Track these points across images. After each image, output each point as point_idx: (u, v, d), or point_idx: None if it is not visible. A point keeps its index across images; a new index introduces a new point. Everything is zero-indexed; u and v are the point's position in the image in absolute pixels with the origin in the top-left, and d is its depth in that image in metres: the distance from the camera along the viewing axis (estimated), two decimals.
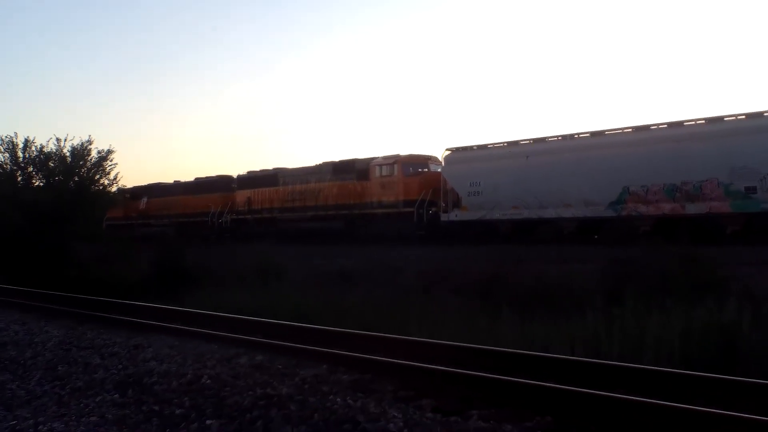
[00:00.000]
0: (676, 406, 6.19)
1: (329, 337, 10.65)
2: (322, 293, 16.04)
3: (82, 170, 33.63)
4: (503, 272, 15.74)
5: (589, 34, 77.65)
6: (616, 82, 76.77)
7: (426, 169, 29.06)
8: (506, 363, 8.41)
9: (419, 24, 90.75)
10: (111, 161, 39.74)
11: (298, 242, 29.82)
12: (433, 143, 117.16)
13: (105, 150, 36.84)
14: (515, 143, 25.84)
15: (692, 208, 20.12)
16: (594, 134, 23.32)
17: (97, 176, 34.65)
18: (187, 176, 49.71)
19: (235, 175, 39.44)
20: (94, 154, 35.28)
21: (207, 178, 41.25)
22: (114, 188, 42.17)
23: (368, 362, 8.64)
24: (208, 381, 8.37)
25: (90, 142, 34.39)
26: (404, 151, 30.00)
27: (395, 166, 28.87)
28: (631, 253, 15.11)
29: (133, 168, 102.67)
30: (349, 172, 30.99)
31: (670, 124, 21.69)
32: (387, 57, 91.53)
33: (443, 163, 27.81)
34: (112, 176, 39.91)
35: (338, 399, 7.32)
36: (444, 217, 26.61)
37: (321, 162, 33.53)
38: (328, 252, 24.30)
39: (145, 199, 44.45)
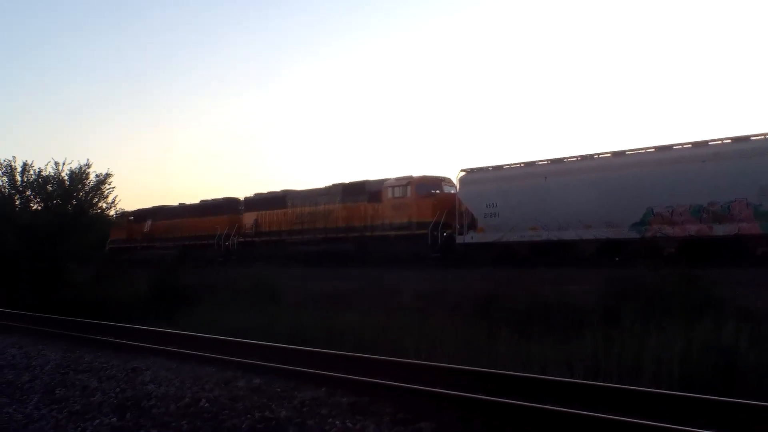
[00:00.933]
0: (674, 428, 6.18)
1: (327, 359, 10.62)
2: (323, 314, 16.02)
3: (81, 194, 33.77)
4: (502, 292, 15.74)
5: (607, 51, 77.31)
6: (634, 102, 76.44)
7: (439, 191, 28.74)
8: (505, 385, 8.40)
9: (431, 43, 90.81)
10: (109, 185, 39.93)
11: (308, 265, 29.61)
12: (443, 164, 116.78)
13: (103, 174, 37.10)
14: (532, 163, 25.49)
15: (720, 230, 19.72)
16: (615, 154, 22.99)
17: (96, 200, 34.82)
18: (193, 199, 49.63)
19: (242, 197, 39.42)
20: (92, 177, 35.48)
21: (213, 200, 41.11)
22: (112, 212, 42.39)
23: (367, 385, 8.62)
24: (207, 404, 8.35)
25: (88, 165, 34.62)
26: (414, 172, 29.82)
27: (408, 187, 28.54)
28: (629, 273, 15.10)
29: (137, 191, 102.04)
30: (360, 193, 30.71)
31: (694, 144, 21.35)
32: (395, 78, 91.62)
33: (458, 184, 27.38)
34: (110, 200, 40.18)
35: (337, 422, 7.31)
36: (459, 240, 26.27)
37: (330, 184, 33.31)
38: (334, 274, 24.27)
39: (149, 222, 44.22)
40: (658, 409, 7.24)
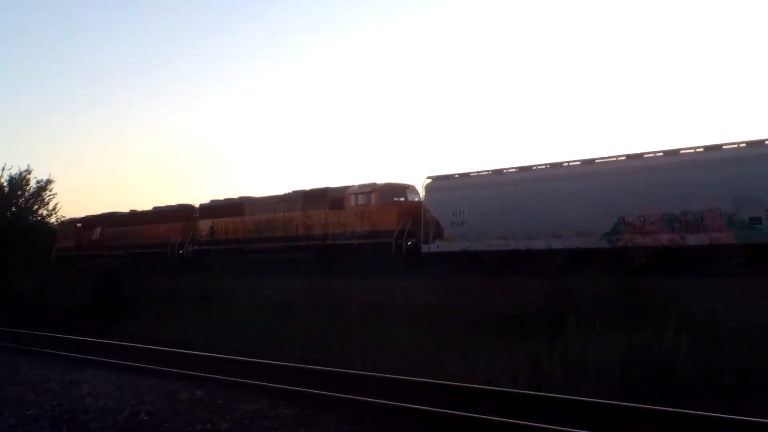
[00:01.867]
0: None
1: (270, 371, 10.52)
2: (273, 323, 15.88)
3: (20, 200, 33.00)
4: (448, 302, 15.79)
5: (575, 56, 77.17)
6: (606, 109, 76.62)
7: (403, 198, 28.02)
8: (449, 395, 8.41)
9: (392, 50, 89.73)
10: (50, 191, 39.18)
11: (266, 273, 28.54)
12: (404, 172, 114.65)
13: (44, 180, 36.34)
14: (500, 171, 24.94)
15: (693, 239, 19.37)
16: (585, 162, 22.61)
17: (36, 206, 34.03)
18: (145, 206, 47.55)
19: (196, 204, 38.19)
20: (32, 184, 34.75)
21: (166, 207, 39.60)
22: (53, 219, 41.50)
23: (310, 396, 8.55)
24: (146, 417, 8.18)
25: (29, 171, 33.88)
26: (376, 179, 28.78)
27: (372, 194, 27.76)
28: (571, 283, 15.26)
29: (86, 198, 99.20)
30: (322, 201, 29.82)
31: (666, 152, 21.15)
32: (354, 85, 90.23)
33: (424, 192, 26.55)
34: (51, 206, 39.37)
35: None
36: (425, 248, 25.50)
37: (291, 191, 32.33)
38: (290, 283, 24.00)
39: (98, 229, 42.65)
40: (596, 415, 7.33)
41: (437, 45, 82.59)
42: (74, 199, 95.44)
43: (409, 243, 26.11)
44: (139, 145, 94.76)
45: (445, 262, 24.67)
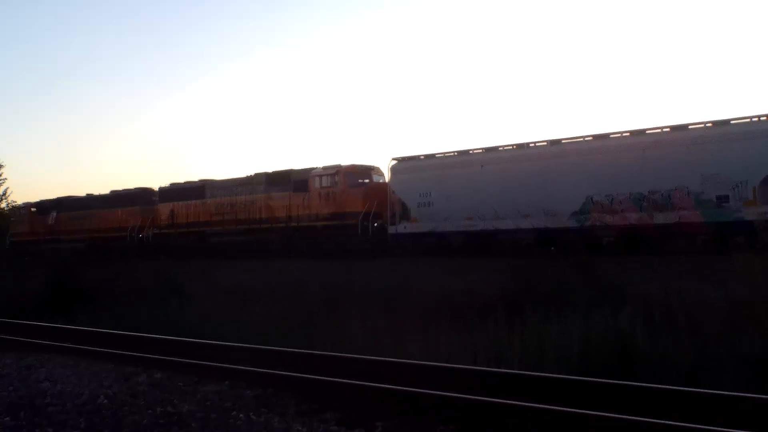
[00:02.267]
0: (570, 411, 6.36)
1: (230, 353, 10.47)
2: (231, 309, 15.78)
3: None
4: (407, 285, 15.85)
5: (542, 34, 76.90)
6: (564, 90, 76.62)
7: (369, 180, 27.95)
8: (409, 374, 8.46)
9: (355, 28, 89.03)
10: (0, 176, 38.29)
11: (228, 257, 28.58)
12: (366, 154, 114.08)
13: None
14: (467, 152, 25.01)
15: (661, 218, 19.66)
16: (552, 142, 22.78)
17: None
18: (102, 189, 46.35)
19: (155, 187, 37.45)
20: None
21: (125, 190, 38.93)
22: (4, 204, 40.54)
23: (271, 377, 8.53)
24: (105, 401, 8.11)
25: None
26: (335, 161, 28.78)
27: (337, 176, 27.64)
28: (530, 264, 15.41)
29: (40, 182, 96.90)
30: (285, 183, 29.60)
31: (633, 132, 21.25)
32: (313, 65, 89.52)
33: (389, 173, 26.75)
34: (1, 191, 38.51)
35: (241, 415, 7.21)
36: (392, 230, 25.68)
37: (253, 173, 31.99)
38: (252, 267, 23.81)
39: (54, 214, 41.50)
40: (557, 393, 7.43)
41: (400, 23, 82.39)
42: (30, 184, 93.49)
43: (375, 225, 26.05)
44: (98, 130, 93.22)
45: (411, 243, 24.82)
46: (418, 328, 12.10)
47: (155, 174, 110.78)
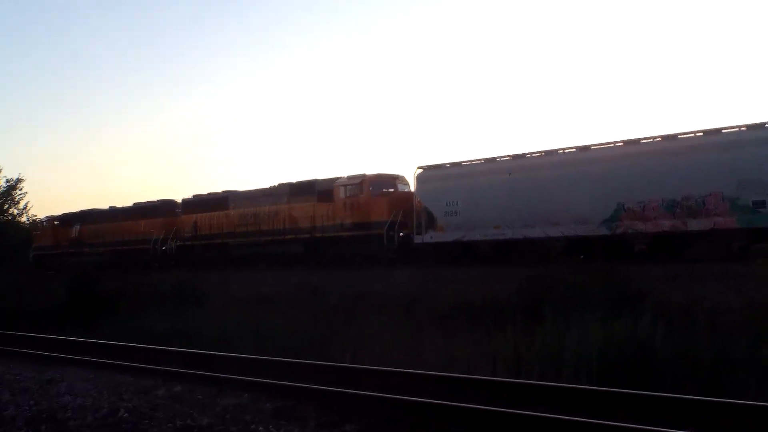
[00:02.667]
0: (589, 422, 6.31)
1: (250, 365, 10.48)
2: (252, 317, 15.78)
3: None
4: (426, 292, 15.82)
5: (570, 40, 75.75)
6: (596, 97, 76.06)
7: (393, 189, 27.68)
8: (429, 385, 8.43)
9: (379, 38, 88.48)
10: (20, 190, 38.79)
11: (252, 268, 28.10)
12: (388, 163, 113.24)
13: (14, 179, 36.02)
14: (494, 160, 24.54)
15: (695, 224, 19.15)
16: (581, 149, 22.34)
17: (6, 206, 33.66)
18: (124, 202, 46.48)
19: (178, 199, 37.82)
20: (2, 183, 34.34)
21: (148, 202, 39.13)
22: (24, 218, 40.99)
23: (290, 389, 8.52)
24: (126, 414, 8.12)
25: None
26: (357, 171, 28.43)
27: (362, 185, 27.29)
28: (547, 270, 15.32)
29: (64, 195, 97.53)
30: (309, 193, 29.39)
31: (664, 137, 20.76)
32: (335, 76, 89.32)
33: (415, 182, 26.28)
34: (21, 206, 38.96)
35: (261, 428, 7.21)
36: (418, 239, 25.25)
37: (276, 184, 31.89)
38: (273, 277, 23.66)
39: (77, 227, 41.86)
40: (577, 402, 7.38)
41: (424, 34, 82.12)
42: (52, 198, 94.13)
43: (401, 234, 25.72)
44: (119, 143, 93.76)
45: (438, 252, 24.45)
46: (436, 334, 12.08)
47: (173, 187, 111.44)
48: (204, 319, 16.45)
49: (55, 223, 43.67)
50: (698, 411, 6.82)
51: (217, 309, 18.08)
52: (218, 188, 37.96)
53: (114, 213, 40.61)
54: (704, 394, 7.71)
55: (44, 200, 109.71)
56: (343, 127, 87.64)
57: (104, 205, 43.29)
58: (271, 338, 13.44)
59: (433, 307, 14.82)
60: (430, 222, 25.22)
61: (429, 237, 24.94)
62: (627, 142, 21.51)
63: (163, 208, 37.60)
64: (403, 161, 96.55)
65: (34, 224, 43.00)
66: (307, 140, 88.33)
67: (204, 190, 37.12)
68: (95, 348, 13.55)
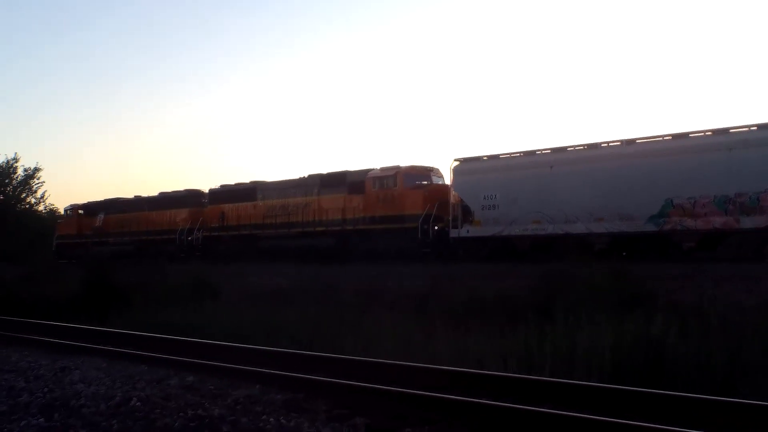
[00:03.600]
0: (603, 420, 6.30)
1: (261, 356, 10.53)
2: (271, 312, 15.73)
3: (8, 189, 32.90)
4: (438, 288, 15.82)
5: (608, 31, 74.60)
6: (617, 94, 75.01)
7: (428, 182, 27.10)
8: (441, 379, 8.44)
9: (410, 28, 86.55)
10: (38, 179, 39.11)
11: (279, 261, 27.66)
12: (414, 155, 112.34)
13: (32, 168, 36.31)
14: (533, 153, 24.02)
15: (748, 222, 18.48)
16: (627, 142, 21.76)
17: (24, 195, 33.93)
18: (150, 191, 45.09)
19: (205, 189, 37.27)
20: (20, 172, 34.63)
21: (174, 192, 38.66)
22: (41, 207, 41.26)
23: (301, 381, 8.56)
24: (138, 403, 8.18)
25: (16, 159, 33.77)
26: (383, 163, 28.08)
27: (396, 177, 26.71)
28: (561, 268, 15.27)
29: (88, 183, 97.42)
30: (340, 184, 28.77)
31: (716, 131, 20.09)
32: (363, 67, 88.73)
33: (452, 175, 25.54)
34: (39, 195, 39.27)
35: (271, 419, 7.23)
36: (454, 233, 24.64)
37: (307, 175, 31.21)
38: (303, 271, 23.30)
39: (101, 216, 41.60)
40: (588, 400, 7.36)
41: (455, 24, 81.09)
42: (76, 188, 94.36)
43: (436, 228, 25.16)
44: (145, 133, 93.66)
45: (474, 247, 24.07)
46: (448, 331, 12.08)
47: (197, 178, 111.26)
48: (219, 313, 16.49)
49: (80, 212, 43.34)
50: (711, 411, 6.78)
51: (232, 303, 18.11)
52: (241, 179, 37.11)
53: (139, 202, 40.16)
54: (717, 394, 7.66)
55: (68, 191, 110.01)
56: (368, 120, 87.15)
57: (128, 194, 42.68)
58: (288, 331, 13.48)
59: (444, 303, 14.82)
60: (467, 216, 24.68)
61: (465, 231, 24.42)
62: (675, 136, 20.93)
63: (189, 198, 37.14)
64: (428, 154, 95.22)
65: (51, 213, 42.98)
66: (333, 132, 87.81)
67: (227, 182, 36.53)
68: (109, 337, 13.64)
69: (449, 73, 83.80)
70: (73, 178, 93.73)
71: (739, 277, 14.44)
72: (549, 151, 23.57)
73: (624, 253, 20.36)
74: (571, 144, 23.23)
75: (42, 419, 7.80)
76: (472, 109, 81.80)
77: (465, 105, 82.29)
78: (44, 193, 40.95)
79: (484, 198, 24.12)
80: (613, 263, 15.05)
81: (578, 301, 12.18)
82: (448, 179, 26.32)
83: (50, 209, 43.35)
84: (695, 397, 7.17)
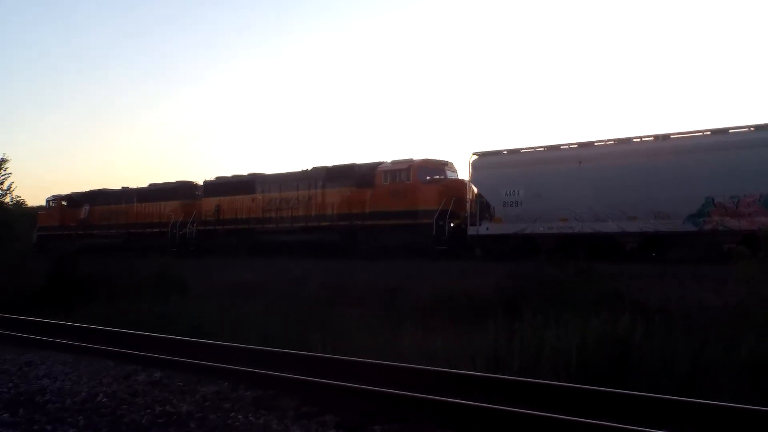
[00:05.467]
0: (569, 420, 6.38)
1: (230, 353, 10.49)
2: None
3: None
4: (406, 285, 15.88)
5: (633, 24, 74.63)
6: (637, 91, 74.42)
7: (442, 176, 25.94)
8: (408, 378, 8.47)
9: (416, 18, 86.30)
10: (5, 170, 38.39)
11: (277, 256, 26.69)
12: (418, 149, 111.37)
13: None
14: (558, 147, 23.10)
15: None
16: (662, 138, 20.90)
17: None
18: (138, 184, 44.11)
19: (199, 181, 36.10)
20: None
21: (165, 184, 37.31)
22: (7, 199, 40.45)
23: (271, 378, 8.54)
24: (105, 399, 8.13)
25: None
26: (390, 157, 27.19)
27: (410, 171, 25.62)
28: (528, 267, 15.39)
29: (72, 173, 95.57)
30: (347, 178, 27.65)
31: (758, 127, 19.27)
32: (360, 59, 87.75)
33: (470, 169, 24.37)
34: (5, 186, 38.57)
35: (240, 416, 7.22)
36: (472, 230, 23.58)
37: (310, 167, 30.04)
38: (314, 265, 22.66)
39: (86, 207, 40.11)
40: (556, 399, 7.45)
41: (463, 18, 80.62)
42: (58, 179, 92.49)
43: (452, 225, 24.30)
44: (133, 124, 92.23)
45: (495, 246, 23.10)
46: (415, 327, 12.13)
47: (186, 170, 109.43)
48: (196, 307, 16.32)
49: (63, 203, 42.05)
50: (674, 411, 6.89)
51: (213, 297, 17.90)
52: (235, 172, 35.89)
53: (128, 194, 38.94)
54: (681, 393, 7.80)
55: (48, 182, 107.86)
56: (364, 113, 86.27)
57: (115, 186, 41.39)
58: (254, 327, 13.43)
59: (412, 300, 14.87)
60: (485, 212, 23.67)
61: (485, 228, 23.38)
62: (715, 131, 20.17)
63: (182, 190, 35.97)
64: (431, 147, 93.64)
65: (18, 205, 41.83)
66: (329, 125, 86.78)
67: (222, 174, 35.27)
68: (76, 332, 13.49)
69: (453, 66, 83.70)
70: (54, 169, 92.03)
71: (706, 278, 14.65)
72: (576, 145, 22.79)
73: (653, 254, 19.93)
74: (599, 139, 22.53)
75: (6, 414, 7.74)
76: (476, 103, 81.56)
77: (470, 99, 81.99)
78: (11, 184, 40.23)
79: (506, 194, 23.09)
80: (580, 263, 15.20)
81: (546, 300, 12.31)
82: (462, 174, 25.61)
83: (16, 201, 42.42)
84: (658, 397, 7.28)
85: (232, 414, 7.31)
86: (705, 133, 20.30)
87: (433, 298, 14.72)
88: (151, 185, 38.14)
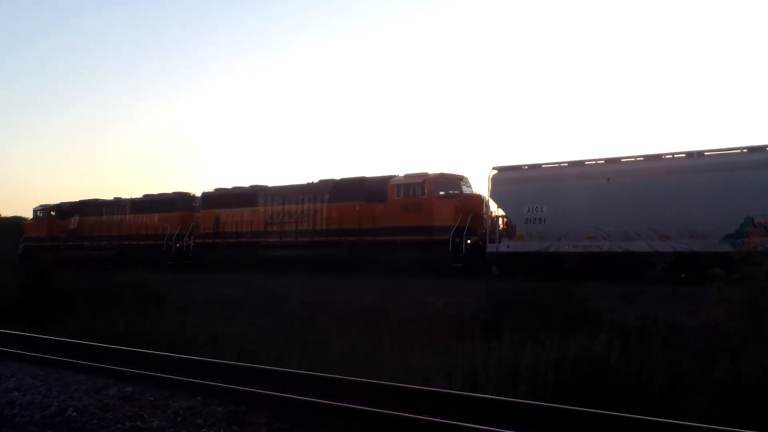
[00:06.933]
0: None
1: (203, 368, 10.37)
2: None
3: None
4: (386, 303, 15.79)
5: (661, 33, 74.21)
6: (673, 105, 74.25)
7: (457, 191, 25.24)
8: (384, 395, 8.40)
9: (424, 31, 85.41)
10: None
11: (282, 272, 25.77)
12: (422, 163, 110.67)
13: None
14: (582, 163, 22.44)
15: None
16: (696, 154, 20.25)
17: None
18: (130, 194, 43.20)
19: (197, 193, 35.34)
20: None
21: (161, 195, 36.45)
22: None
23: (243, 394, 8.44)
24: (74, 413, 8.02)
25: None
26: (400, 171, 26.33)
27: (425, 185, 24.89)
28: (507, 286, 15.36)
29: (61, 183, 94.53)
30: (357, 191, 26.89)
31: None
32: (365, 71, 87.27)
33: (490, 184, 23.56)
34: None
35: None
36: (491, 248, 22.89)
37: (317, 180, 29.45)
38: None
39: (76, 218, 39.43)
40: (533, 418, 7.41)
41: (482, 26, 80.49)
42: (45, 189, 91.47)
43: (469, 242, 23.59)
44: (127, 134, 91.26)
45: (516, 264, 22.30)
46: (393, 344, 12.04)
47: (178, 181, 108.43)
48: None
49: (51, 213, 41.22)
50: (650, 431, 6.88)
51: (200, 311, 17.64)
52: (233, 184, 35.40)
53: (120, 204, 38.08)
54: (656, 413, 7.78)
55: (37, 192, 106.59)
56: (370, 126, 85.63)
57: (106, 196, 40.60)
58: (229, 343, 13.27)
59: (393, 318, 14.75)
60: (508, 229, 23.14)
61: (505, 246, 22.72)
62: (752, 149, 19.63)
63: (178, 202, 35.10)
64: (427, 161, 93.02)
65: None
66: (330, 138, 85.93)
67: (218, 186, 34.64)
68: (47, 344, 13.31)
69: (459, 75, 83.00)
70: (42, 178, 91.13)
71: (682, 299, 14.70)
72: (603, 161, 22.17)
73: (683, 275, 19.43)
74: (628, 155, 21.93)
75: None
76: (480, 116, 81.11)
77: (481, 111, 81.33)
78: None
79: (529, 210, 22.39)
80: (559, 282, 15.20)
81: (524, 319, 12.27)
82: (477, 188, 25.09)
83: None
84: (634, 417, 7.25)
85: (204, 430, 7.25)
86: (743, 150, 19.84)
87: (411, 316, 14.63)
88: (145, 196, 37.43)
